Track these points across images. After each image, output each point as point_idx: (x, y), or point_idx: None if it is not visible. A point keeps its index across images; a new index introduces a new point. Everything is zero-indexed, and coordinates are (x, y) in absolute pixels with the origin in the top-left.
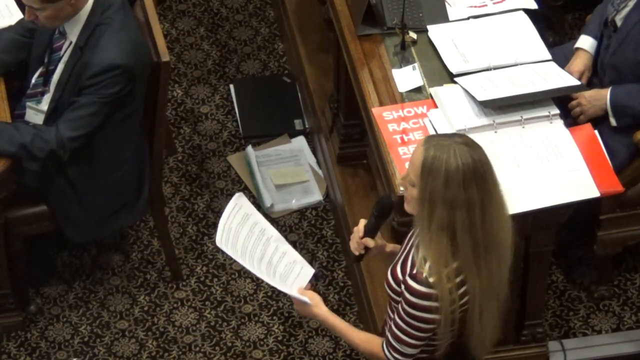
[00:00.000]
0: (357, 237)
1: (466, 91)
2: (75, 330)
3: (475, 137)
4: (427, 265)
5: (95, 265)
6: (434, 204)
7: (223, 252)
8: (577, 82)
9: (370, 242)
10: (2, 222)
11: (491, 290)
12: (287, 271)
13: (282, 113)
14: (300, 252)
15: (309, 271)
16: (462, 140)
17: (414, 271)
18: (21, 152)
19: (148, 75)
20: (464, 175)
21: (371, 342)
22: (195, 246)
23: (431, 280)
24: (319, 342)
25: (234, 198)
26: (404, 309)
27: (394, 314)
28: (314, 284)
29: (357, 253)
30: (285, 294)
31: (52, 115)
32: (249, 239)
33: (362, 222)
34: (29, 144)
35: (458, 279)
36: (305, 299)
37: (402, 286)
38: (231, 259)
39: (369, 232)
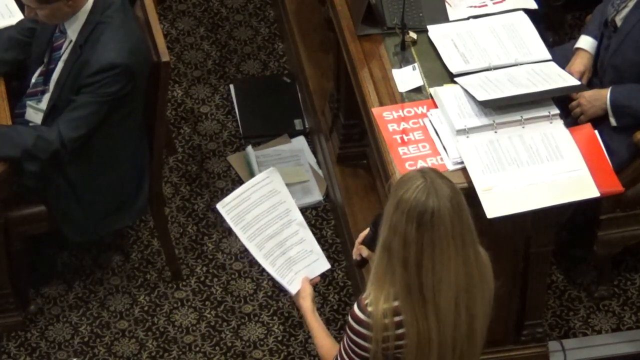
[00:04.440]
0: (358, 242)
1: (466, 91)
2: (75, 330)
3: (475, 137)
4: (372, 295)
5: (95, 265)
6: (386, 221)
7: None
8: (578, 82)
9: (364, 250)
10: (2, 222)
11: (431, 347)
12: (299, 258)
13: (282, 113)
14: None
15: (323, 265)
16: (438, 182)
17: (361, 296)
18: (24, 156)
19: (148, 74)
20: (409, 210)
21: (327, 351)
22: (195, 246)
23: (369, 309)
24: None
25: (266, 171)
26: (346, 331)
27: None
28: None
29: (354, 257)
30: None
31: (51, 114)
32: (268, 214)
33: (367, 230)
34: (31, 147)
35: (397, 318)
36: (290, 288)
37: None
38: (231, 258)
39: (367, 243)
